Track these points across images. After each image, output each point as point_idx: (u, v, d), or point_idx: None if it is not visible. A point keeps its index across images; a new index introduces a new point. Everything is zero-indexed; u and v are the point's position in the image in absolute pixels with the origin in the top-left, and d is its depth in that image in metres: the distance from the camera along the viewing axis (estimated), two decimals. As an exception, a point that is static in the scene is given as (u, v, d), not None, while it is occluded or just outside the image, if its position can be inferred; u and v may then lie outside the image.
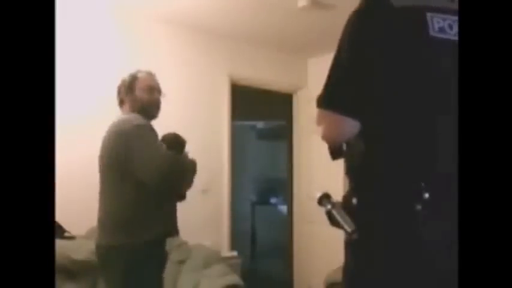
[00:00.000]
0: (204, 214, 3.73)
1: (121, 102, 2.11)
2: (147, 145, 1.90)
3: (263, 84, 4.29)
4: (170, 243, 2.09)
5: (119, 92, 2.11)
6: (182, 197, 2.15)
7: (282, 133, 5.08)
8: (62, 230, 2.86)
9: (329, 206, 1.12)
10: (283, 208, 5.59)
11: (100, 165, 2.02)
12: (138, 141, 1.89)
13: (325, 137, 1.15)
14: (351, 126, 1.10)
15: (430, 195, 1.03)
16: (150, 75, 2.13)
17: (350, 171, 1.20)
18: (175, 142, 2.11)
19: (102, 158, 2.01)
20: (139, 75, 2.11)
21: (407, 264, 1.06)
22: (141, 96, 2.06)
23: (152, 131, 1.95)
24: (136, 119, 1.96)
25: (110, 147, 1.95)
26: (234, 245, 4.01)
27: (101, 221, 1.99)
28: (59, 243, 2.35)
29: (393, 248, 1.06)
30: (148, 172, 1.86)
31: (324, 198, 1.13)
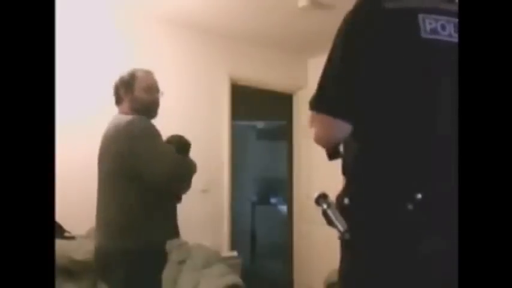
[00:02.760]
0: (204, 214, 3.73)
1: (119, 101, 2.07)
2: (157, 148, 1.88)
3: (263, 84, 4.29)
4: (170, 243, 2.09)
5: (117, 91, 2.06)
6: (179, 199, 2.15)
7: (282, 133, 5.08)
8: (62, 230, 2.85)
9: (325, 206, 1.13)
10: (283, 208, 5.59)
11: (101, 167, 1.99)
12: (148, 144, 1.86)
13: (317, 139, 1.16)
14: (342, 129, 1.11)
15: (422, 195, 1.03)
16: (149, 74, 2.09)
17: (344, 171, 1.21)
18: (182, 144, 2.09)
19: (103, 160, 1.97)
20: (138, 74, 2.06)
21: (399, 264, 1.06)
22: (141, 96, 2.03)
23: (157, 132, 1.93)
24: (142, 120, 1.93)
25: (114, 149, 1.91)
26: (234, 245, 4.01)
27: (103, 224, 1.96)
28: (59, 243, 2.35)
29: (385, 248, 1.07)
30: (160, 175, 1.84)
31: (321, 198, 1.15)
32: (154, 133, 1.92)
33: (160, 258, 2.01)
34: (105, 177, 1.97)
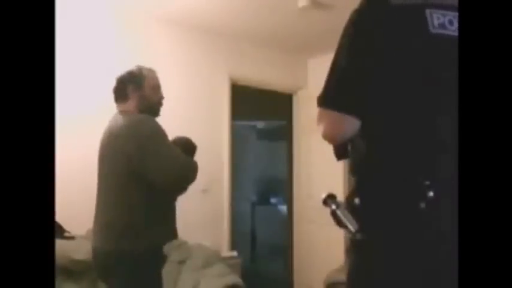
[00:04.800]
0: (204, 214, 3.73)
1: (124, 98, 1.99)
2: (166, 149, 1.86)
3: (263, 84, 4.29)
4: (169, 245, 2.09)
5: (123, 87, 1.99)
6: (175, 198, 2.14)
7: (282, 133, 5.08)
8: (62, 230, 2.85)
9: (334, 206, 1.12)
10: (283, 208, 5.59)
11: (102, 167, 1.96)
12: (157, 145, 1.84)
13: (325, 136, 1.15)
14: (351, 125, 1.10)
15: (434, 193, 1.03)
16: (153, 72, 2.07)
17: (353, 171, 1.20)
18: (188, 146, 2.07)
19: (106, 159, 1.94)
20: (145, 72, 2.03)
21: (412, 263, 1.05)
22: (150, 95, 2.00)
23: (165, 132, 1.90)
24: (151, 120, 1.90)
25: (120, 149, 1.86)
26: (234, 245, 4.01)
27: (103, 224, 1.93)
28: (59, 243, 2.35)
29: (397, 247, 1.06)
30: (167, 177, 1.82)
31: (329, 199, 1.13)
32: (163, 134, 1.89)
33: (159, 260, 1.99)
34: (107, 177, 1.94)
